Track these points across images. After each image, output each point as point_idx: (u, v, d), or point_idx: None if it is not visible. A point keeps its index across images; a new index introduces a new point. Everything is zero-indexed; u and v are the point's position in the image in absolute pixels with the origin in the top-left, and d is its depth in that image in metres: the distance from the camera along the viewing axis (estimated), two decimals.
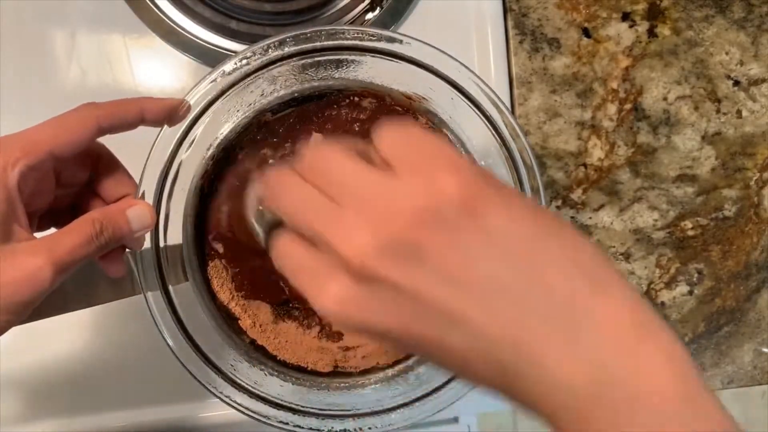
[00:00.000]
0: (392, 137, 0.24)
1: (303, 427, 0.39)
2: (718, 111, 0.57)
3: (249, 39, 0.51)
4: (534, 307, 0.22)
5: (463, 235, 0.22)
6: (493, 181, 0.23)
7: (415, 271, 0.22)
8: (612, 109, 0.56)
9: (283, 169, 0.25)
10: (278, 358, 0.43)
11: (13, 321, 0.29)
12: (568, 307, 0.22)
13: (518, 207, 0.23)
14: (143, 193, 0.37)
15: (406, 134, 0.24)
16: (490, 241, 0.22)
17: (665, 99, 0.56)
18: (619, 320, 0.22)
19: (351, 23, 0.52)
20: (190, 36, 0.51)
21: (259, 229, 0.37)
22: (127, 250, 0.36)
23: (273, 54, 0.38)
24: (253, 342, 0.43)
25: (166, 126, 0.37)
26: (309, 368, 0.43)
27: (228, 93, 0.38)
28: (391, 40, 0.39)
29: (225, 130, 0.40)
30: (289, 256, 0.25)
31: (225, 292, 0.44)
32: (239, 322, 0.43)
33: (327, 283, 0.23)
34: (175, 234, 0.39)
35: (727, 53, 0.57)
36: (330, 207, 0.23)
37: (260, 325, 0.44)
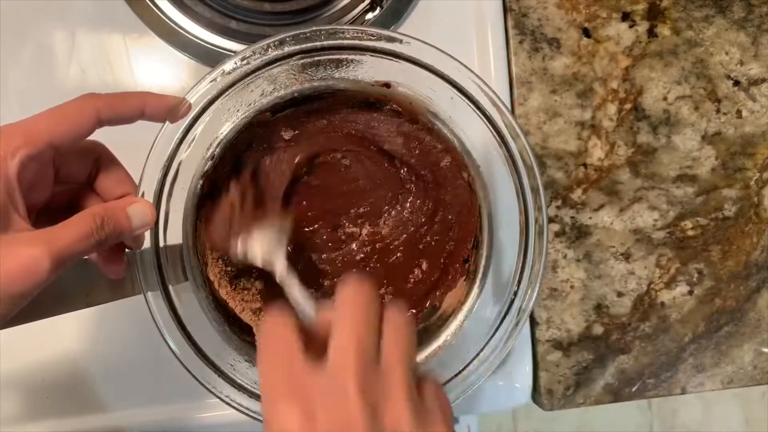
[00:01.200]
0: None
1: None
2: (718, 111, 0.57)
3: (249, 39, 0.51)
4: None
5: None
6: None
7: None
8: (612, 109, 0.56)
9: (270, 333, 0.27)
10: None
11: (8, 312, 0.29)
12: None
13: None
14: (143, 193, 0.37)
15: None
16: None
17: (665, 99, 0.56)
18: None
19: (351, 23, 0.52)
20: (190, 36, 0.51)
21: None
22: (126, 250, 0.36)
23: (273, 54, 0.38)
24: (253, 341, 0.43)
25: (166, 125, 0.37)
26: None
27: (228, 92, 0.38)
28: (391, 39, 0.39)
29: (225, 129, 0.40)
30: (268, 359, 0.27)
31: (225, 291, 0.44)
32: (239, 321, 0.43)
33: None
34: (175, 234, 0.39)
35: (727, 53, 0.57)
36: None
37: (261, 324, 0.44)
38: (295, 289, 0.37)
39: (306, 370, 0.25)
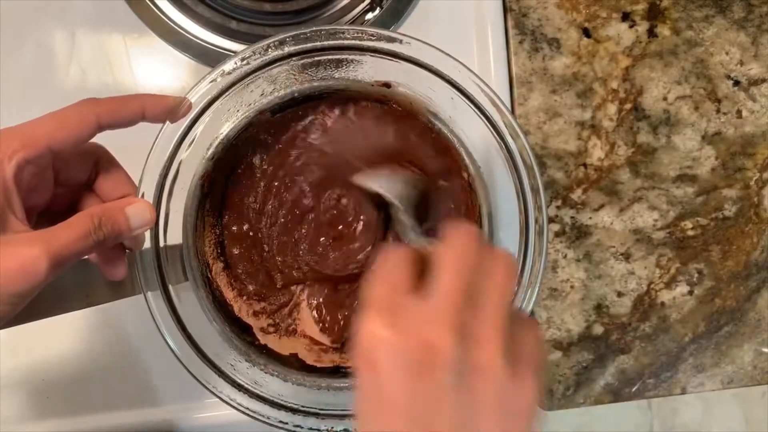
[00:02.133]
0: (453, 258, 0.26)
1: (303, 427, 0.39)
2: (718, 111, 0.57)
3: (249, 39, 0.51)
4: None
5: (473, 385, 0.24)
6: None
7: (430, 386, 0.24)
8: (612, 109, 0.56)
9: (388, 258, 0.27)
10: (279, 354, 0.43)
11: (8, 312, 0.29)
12: None
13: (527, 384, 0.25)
14: (143, 193, 0.37)
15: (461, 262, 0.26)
16: (488, 401, 0.24)
17: (665, 99, 0.56)
18: None
19: (351, 23, 0.52)
20: (190, 36, 0.51)
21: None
22: (127, 250, 0.36)
23: (273, 54, 0.38)
24: (253, 341, 0.43)
25: (166, 126, 0.37)
26: (308, 363, 0.43)
27: (228, 93, 0.38)
28: (391, 39, 0.39)
29: (225, 129, 0.40)
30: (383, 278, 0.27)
31: (225, 291, 0.44)
32: (240, 320, 0.43)
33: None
34: (175, 234, 0.39)
35: (727, 53, 0.57)
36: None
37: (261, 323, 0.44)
38: (408, 225, 0.38)
39: (410, 294, 0.26)
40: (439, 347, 0.24)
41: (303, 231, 0.44)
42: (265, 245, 0.45)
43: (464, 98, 0.39)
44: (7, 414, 0.50)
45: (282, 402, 0.39)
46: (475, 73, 0.39)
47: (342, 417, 0.39)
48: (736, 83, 0.57)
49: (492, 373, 0.25)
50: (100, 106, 0.31)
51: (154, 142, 0.37)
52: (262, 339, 0.43)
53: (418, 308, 0.25)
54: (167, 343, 0.38)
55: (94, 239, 0.31)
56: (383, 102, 0.43)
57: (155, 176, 0.38)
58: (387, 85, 0.41)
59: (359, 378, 0.26)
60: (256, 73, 0.39)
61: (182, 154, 0.38)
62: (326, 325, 0.45)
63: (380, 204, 0.43)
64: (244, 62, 0.38)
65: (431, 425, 0.24)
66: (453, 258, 0.26)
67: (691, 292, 0.57)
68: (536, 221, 0.40)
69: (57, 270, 0.29)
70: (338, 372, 0.43)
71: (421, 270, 0.27)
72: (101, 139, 0.34)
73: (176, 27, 0.51)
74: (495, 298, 0.26)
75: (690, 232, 0.57)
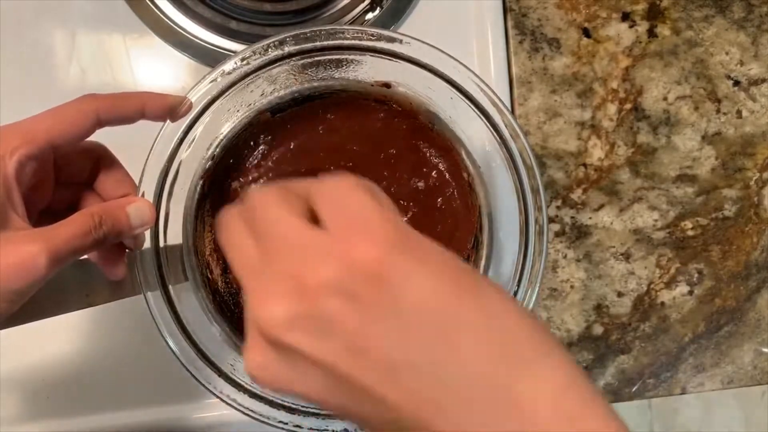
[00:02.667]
0: (325, 193, 0.23)
1: (303, 427, 0.39)
2: (718, 111, 0.57)
3: (249, 39, 0.51)
4: (446, 385, 0.21)
5: (372, 308, 0.21)
6: (413, 245, 0.22)
7: (325, 343, 0.21)
8: (612, 109, 0.56)
9: (231, 211, 0.25)
10: None
11: (7, 310, 0.28)
12: (483, 385, 0.21)
13: (436, 272, 0.22)
14: (143, 193, 0.37)
15: (338, 191, 0.23)
16: (402, 314, 0.21)
17: (665, 99, 0.56)
18: (541, 400, 0.21)
19: (351, 23, 0.52)
20: (190, 36, 0.51)
21: None
22: (127, 250, 0.36)
23: (273, 54, 0.38)
24: None
25: (166, 125, 0.37)
26: None
27: (228, 93, 0.38)
28: (391, 39, 0.39)
29: (225, 129, 0.40)
30: (234, 249, 0.24)
31: (226, 291, 0.44)
32: (240, 321, 0.43)
33: (250, 348, 0.23)
34: (175, 234, 0.39)
35: (727, 53, 0.57)
36: (257, 264, 0.23)
37: None
38: None
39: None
40: (359, 259, 0.21)
41: None
42: None
43: (464, 98, 0.39)
44: (7, 414, 0.50)
45: (282, 402, 0.39)
46: (474, 73, 0.39)
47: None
48: (736, 83, 0.57)
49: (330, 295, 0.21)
50: (99, 102, 0.32)
51: (154, 142, 0.37)
52: None
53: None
54: (167, 343, 0.38)
55: (94, 237, 0.30)
56: (383, 102, 0.43)
57: (155, 176, 0.38)
58: (387, 85, 0.41)
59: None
60: (256, 73, 0.39)
61: (182, 154, 0.38)
62: None
63: None
64: (244, 62, 0.38)
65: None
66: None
67: (691, 292, 0.57)
68: (536, 221, 0.40)
69: (56, 267, 0.29)
70: None
71: None
72: (102, 138, 0.34)
73: (176, 27, 0.51)
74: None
75: (690, 232, 0.57)
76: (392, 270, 0.21)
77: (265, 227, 0.23)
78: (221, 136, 0.40)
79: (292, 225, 0.22)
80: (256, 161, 0.44)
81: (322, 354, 0.21)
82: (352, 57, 0.40)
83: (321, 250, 0.22)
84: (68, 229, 0.30)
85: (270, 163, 0.44)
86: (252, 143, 0.44)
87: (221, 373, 0.38)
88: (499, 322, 0.22)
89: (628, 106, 0.56)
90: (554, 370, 0.22)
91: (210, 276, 0.43)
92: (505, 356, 0.21)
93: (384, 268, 0.21)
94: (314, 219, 0.23)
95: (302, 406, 0.39)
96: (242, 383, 0.39)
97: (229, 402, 0.38)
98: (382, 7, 0.52)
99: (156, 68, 0.52)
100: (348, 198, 0.23)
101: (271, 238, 0.23)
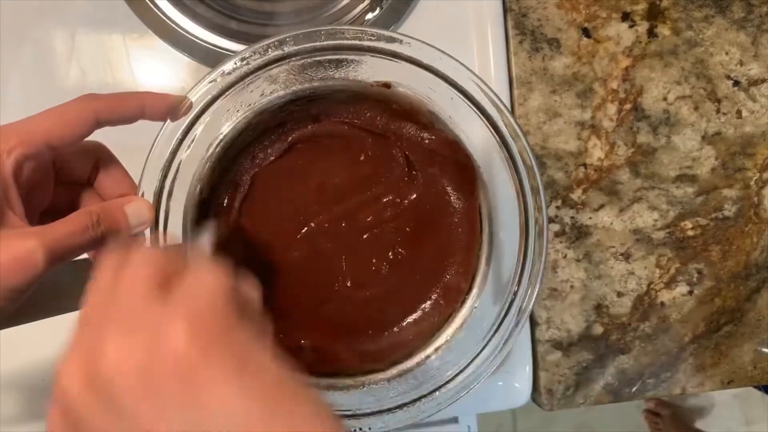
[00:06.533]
0: (191, 270, 0.24)
1: None
2: (718, 111, 0.57)
3: (249, 39, 0.51)
4: None
5: (170, 411, 0.21)
6: (237, 349, 0.22)
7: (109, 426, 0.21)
8: (612, 109, 0.56)
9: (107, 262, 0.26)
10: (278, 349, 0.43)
11: (5, 307, 0.28)
12: None
13: (250, 392, 0.21)
14: (143, 193, 0.37)
15: (203, 273, 0.24)
16: (199, 424, 0.21)
17: (665, 99, 0.56)
18: None
19: (351, 23, 0.52)
20: (190, 36, 0.51)
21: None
22: None
23: (273, 54, 0.38)
24: None
25: (166, 125, 0.37)
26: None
27: (228, 93, 0.38)
28: (391, 40, 0.39)
29: (225, 129, 0.40)
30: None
31: None
32: None
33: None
34: (175, 234, 0.39)
35: (727, 53, 0.57)
36: (92, 313, 0.24)
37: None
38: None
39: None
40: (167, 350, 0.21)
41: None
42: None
43: (464, 98, 0.39)
44: (7, 414, 0.50)
45: None
46: (475, 73, 0.39)
47: (342, 417, 0.39)
48: (736, 83, 0.57)
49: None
50: (99, 102, 0.31)
51: (154, 142, 0.37)
52: None
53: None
54: None
55: (91, 235, 0.30)
56: (383, 102, 0.43)
57: (155, 176, 0.38)
58: (387, 85, 0.41)
59: None
60: (256, 73, 0.39)
61: (182, 154, 0.38)
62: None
63: None
64: (244, 62, 0.38)
65: None
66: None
67: (691, 292, 0.57)
68: (536, 222, 0.40)
69: (53, 264, 0.28)
70: (338, 372, 0.43)
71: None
72: (102, 138, 0.34)
73: (176, 27, 0.51)
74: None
75: (690, 232, 0.57)
76: (203, 370, 0.21)
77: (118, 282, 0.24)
78: (221, 136, 0.40)
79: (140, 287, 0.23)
80: (255, 161, 0.44)
81: None
82: (352, 57, 0.40)
83: (143, 321, 0.22)
84: (65, 227, 0.30)
85: (271, 168, 0.44)
86: (251, 143, 0.44)
87: None
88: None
89: (628, 106, 0.56)
90: None
91: None
92: None
93: (193, 365, 0.21)
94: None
95: None
96: None
97: None
98: (382, 7, 0.52)
99: (156, 68, 0.52)
100: (204, 278, 0.23)
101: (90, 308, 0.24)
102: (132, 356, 0.21)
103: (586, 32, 0.56)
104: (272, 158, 0.45)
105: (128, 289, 0.23)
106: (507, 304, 0.40)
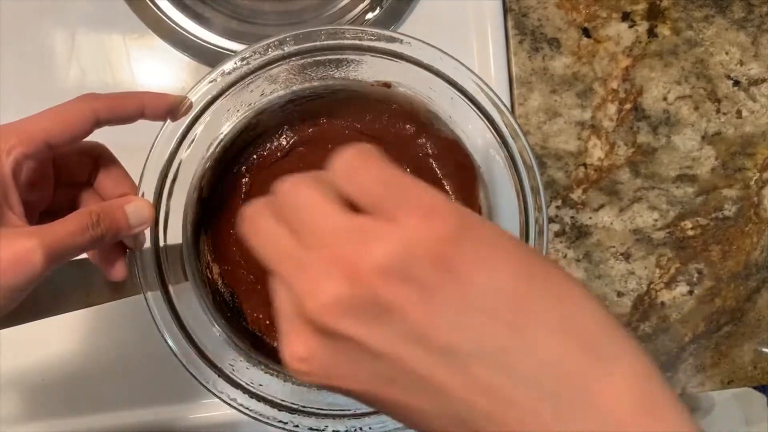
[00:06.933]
0: (357, 176, 0.21)
1: (303, 427, 0.39)
2: (718, 111, 0.57)
3: (249, 39, 0.51)
4: (518, 376, 0.19)
5: (437, 292, 0.19)
6: (476, 225, 0.20)
7: (382, 330, 0.19)
8: (612, 109, 0.56)
9: (257, 203, 0.23)
10: (279, 350, 0.43)
11: (4, 307, 0.28)
12: (558, 379, 0.19)
13: (504, 256, 0.20)
14: (143, 193, 0.37)
15: (369, 172, 0.21)
16: (469, 299, 0.19)
17: (665, 99, 0.56)
18: (618, 398, 0.19)
19: (351, 23, 0.52)
20: (190, 36, 0.51)
21: None
22: (127, 250, 0.36)
23: (273, 54, 0.38)
24: (254, 342, 0.43)
25: (166, 126, 0.37)
26: None
27: (228, 93, 0.38)
28: (391, 39, 0.39)
29: (225, 129, 0.40)
30: (264, 243, 0.22)
31: (226, 290, 0.44)
32: (241, 318, 0.43)
33: (290, 338, 0.21)
34: (175, 234, 0.39)
35: (727, 53, 0.57)
36: (296, 251, 0.21)
37: (262, 319, 0.44)
38: None
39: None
40: (417, 239, 0.20)
41: None
42: None
43: (464, 98, 0.39)
44: (7, 414, 0.50)
45: (282, 402, 0.39)
46: (475, 73, 0.39)
47: (342, 417, 0.39)
48: (736, 83, 0.57)
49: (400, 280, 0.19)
50: (98, 102, 0.31)
51: (154, 142, 0.38)
52: (262, 329, 0.43)
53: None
54: (167, 343, 0.38)
55: (91, 235, 0.30)
56: (383, 102, 0.43)
57: (155, 176, 0.38)
58: (387, 85, 0.41)
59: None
60: (256, 73, 0.39)
61: (182, 154, 0.38)
62: None
63: None
64: (244, 62, 0.38)
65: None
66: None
67: (691, 292, 0.57)
68: (536, 221, 0.40)
69: (53, 264, 0.28)
70: None
71: None
72: (102, 138, 0.34)
73: (176, 27, 0.51)
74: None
75: (690, 232, 0.57)
76: (459, 254, 0.19)
77: (300, 215, 0.21)
78: (221, 136, 0.40)
79: (332, 210, 0.21)
80: (254, 161, 0.44)
81: (378, 341, 0.20)
82: (352, 57, 0.40)
83: (372, 233, 0.20)
84: (65, 227, 0.29)
85: (271, 168, 0.44)
86: (251, 143, 0.44)
87: (221, 373, 0.38)
88: (573, 312, 0.20)
89: (628, 106, 0.56)
90: (632, 367, 0.20)
91: (210, 276, 0.43)
92: (581, 350, 0.20)
93: (450, 251, 0.19)
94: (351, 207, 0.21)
95: (302, 407, 0.39)
96: (242, 383, 0.39)
97: (229, 402, 0.38)
98: (382, 7, 0.52)
99: (156, 68, 0.52)
100: (392, 177, 0.21)
101: (310, 224, 0.21)
102: (388, 256, 0.19)
103: (586, 32, 0.56)
104: (272, 159, 0.45)
105: (317, 212, 0.21)
106: None
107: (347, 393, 0.22)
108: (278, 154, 0.45)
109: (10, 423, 0.50)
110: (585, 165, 0.56)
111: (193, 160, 0.39)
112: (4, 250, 0.27)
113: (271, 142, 0.44)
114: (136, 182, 0.37)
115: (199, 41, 0.51)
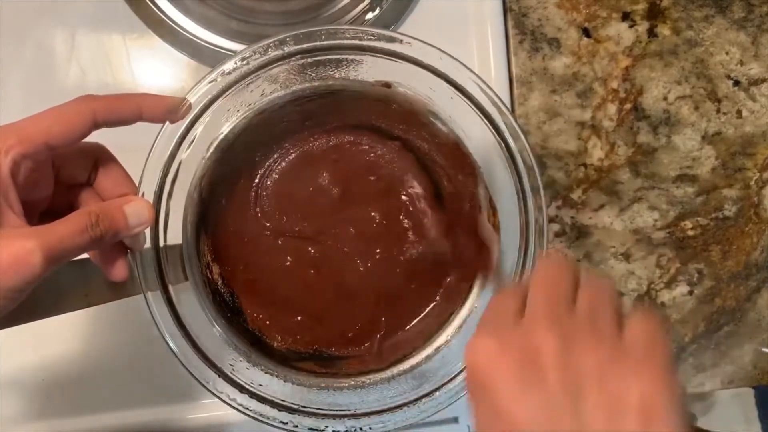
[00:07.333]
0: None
1: (303, 427, 0.39)
2: (718, 111, 0.57)
3: (249, 39, 0.51)
4: None
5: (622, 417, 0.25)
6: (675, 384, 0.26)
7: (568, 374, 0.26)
8: (612, 109, 0.56)
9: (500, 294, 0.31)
10: (278, 351, 0.43)
11: (4, 307, 0.28)
12: None
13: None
14: (143, 193, 0.37)
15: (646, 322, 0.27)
16: None
17: (665, 99, 0.56)
18: None
19: (351, 23, 0.52)
20: (190, 36, 0.51)
21: None
22: (127, 250, 0.36)
23: (273, 54, 0.38)
24: (254, 343, 0.43)
25: (166, 126, 0.37)
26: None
27: (228, 93, 0.38)
28: (391, 39, 0.39)
29: (225, 129, 0.40)
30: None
31: (226, 290, 0.44)
32: (241, 318, 0.43)
33: (494, 339, 0.27)
34: (175, 234, 0.39)
35: (727, 53, 0.57)
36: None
37: (262, 319, 0.44)
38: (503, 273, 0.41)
39: (511, 323, 0.28)
40: (542, 347, 0.26)
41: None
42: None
43: (464, 98, 0.39)
44: (7, 414, 0.50)
45: (282, 402, 0.39)
46: (475, 72, 0.39)
47: (342, 417, 0.39)
48: (736, 83, 0.57)
49: (596, 369, 0.26)
50: (97, 103, 0.31)
51: (154, 142, 0.37)
52: (261, 328, 0.43)
53: (520, 329, 0.27)
54: (167, 343, 0.38)
55: (91, 235, 0.30)
56: (383, 102, 0.43)
57: (155, 176, 0.38)
58: (387, 85, 0.41)
59: (473, 396, 0.27)
60: (256, 73, 0.39)
61: (182, 154, 0.38)
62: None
63: None
64: (244, 62, 0.38)
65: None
66: (540, 279, 0.29)
67: (691, 292, 0.57)
68: (536, 221, 0.40)
69: (52, 264, 0.28)
70: (337, 372, 0.43)
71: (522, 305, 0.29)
72: (102, 138, 0.34)
73: (176, 27, 0.51)
74: (587, 303, 0.28)
75: (690, 232, 0.57)
76: (660, 414, 0.25)
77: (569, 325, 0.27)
78: (221, 136, 0.40)
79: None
80: (257, 163, 0.44)
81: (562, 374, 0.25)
82: (352, 57, 0.40)
83: (624, 365, 0.26)
84: (64, 227, 0.29)
85: (271, 168, 0.44)
86: (251, 143, 0.44)
87: (221, 373, 0.38)
88: None
89: (628, 106, 0.56)
90: None
91: (210, 276, 0.43)
92: None
93: (656, 401, 0.25)
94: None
95: (302, 407, 0.39)
96: (242, 383, 0.39)
97: (229, 402, 0.38)
98: (382, 7, 0.52)
99: (156, 68, 0.52)
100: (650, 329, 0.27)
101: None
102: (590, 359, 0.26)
103: (586, 32, 0.56)
104: (272, 160, 0.45)
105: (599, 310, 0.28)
106: None
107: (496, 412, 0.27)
108: (279, 155, 0.45)
109: (10, 423, 0.50)
110: (585, 165, 0.56)
111: (193, 160, 0.39)
112: (4, 251, 0.27)
113: (271, 143, 0.44)
114: (136, 182, 0.37)
115: (199, 41, 0.51)
